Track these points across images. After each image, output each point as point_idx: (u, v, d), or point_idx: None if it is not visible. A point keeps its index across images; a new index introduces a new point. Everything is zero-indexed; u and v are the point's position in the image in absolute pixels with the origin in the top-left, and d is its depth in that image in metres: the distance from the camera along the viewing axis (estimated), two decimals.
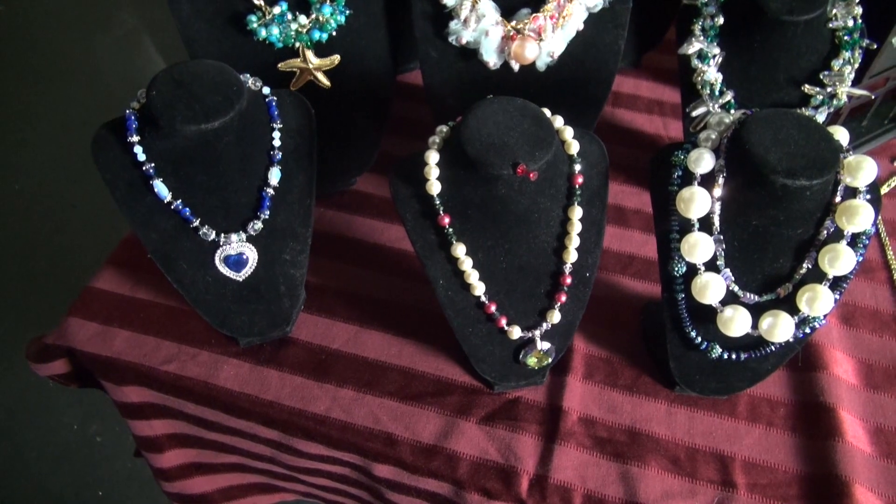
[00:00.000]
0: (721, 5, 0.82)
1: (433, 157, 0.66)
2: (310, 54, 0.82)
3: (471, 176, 0.64)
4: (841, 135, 0.66)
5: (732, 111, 0.81)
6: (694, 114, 0.84)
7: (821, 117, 0.81)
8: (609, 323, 0.83)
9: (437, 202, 0.66)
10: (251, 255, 0.73)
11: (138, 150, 0.68)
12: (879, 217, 0.94)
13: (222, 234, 0.71)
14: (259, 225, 0.72)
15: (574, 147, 0.67)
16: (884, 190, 0.97)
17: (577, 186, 0.67)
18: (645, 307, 0.84)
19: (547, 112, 0.67)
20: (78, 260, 1.72)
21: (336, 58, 0.83)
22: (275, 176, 0.72)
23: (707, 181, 0.66)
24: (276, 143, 0.72)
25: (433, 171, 0.65)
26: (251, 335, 0.79)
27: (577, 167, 0.67)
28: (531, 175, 0.61)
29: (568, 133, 0.67)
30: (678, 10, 1.07)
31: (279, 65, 0.82)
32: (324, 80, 0.84)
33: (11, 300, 1.74)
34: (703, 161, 0.65)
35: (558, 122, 0.68)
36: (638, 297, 0.86)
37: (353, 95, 0.87)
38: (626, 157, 1.02)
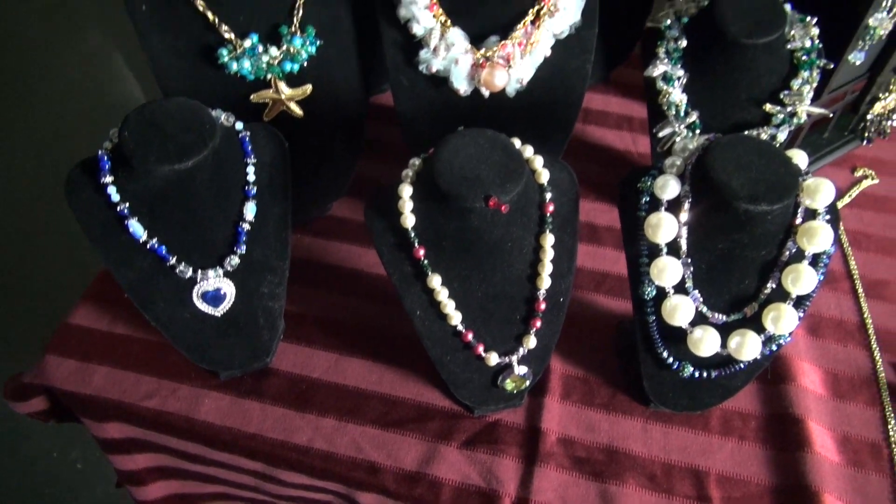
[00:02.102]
0: (684, 28, 0.84)
1: (406, 190, 0.67)
2: (282, 85, 0.82)
3: (444, 208, 0.65)
4: (799, 158, 0.68)
5: (697, 133, 0.84)
6: (661, 134, 0.86)
7: (782, 135, 0.84)
8: (584, 342, 0.85)
9: (412, 235, 0.67)
10: (229, 290, 0.73)
11: (112, 190, 0.68)
12: (842, 228, 0.97)
13: (199, 271, 0.72)
14: (236, 260, 0.72)
15: (544, 176, 0.69)
16: (845, 200, 1.00)
17: (548, 214, 0.69)
18: (618, 326, 0.86)
19: (517, 142, 0.69)
20: (54, 293, 1.69)
21: (308, 88, 0.84)
22: (250, 210, 0.73)
23: (673, 206, 0.68)
24: (251, 177, 0.73)
25: (407, 205, 0.66)
26: (231, 368, 0.80)
27: (548, 195, 0.69)
28: (503, 208, 0.62)
29: (538, 162, 0.69)
30: (645, 25, 1.10)
31: (251, 96, 0.82)
32: (296, 110, 0.85)
33: None
34: (669, 187, 0.67)
35: (528, 151, 0.69)
36: (612, 315, 0.88)
37: (326, 124, 0.88)
38: (597, 174, 1.04)
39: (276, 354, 0.84)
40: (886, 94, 1.02)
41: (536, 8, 0.79)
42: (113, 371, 0.82)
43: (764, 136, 0.84)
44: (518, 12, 0.79)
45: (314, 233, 0.97)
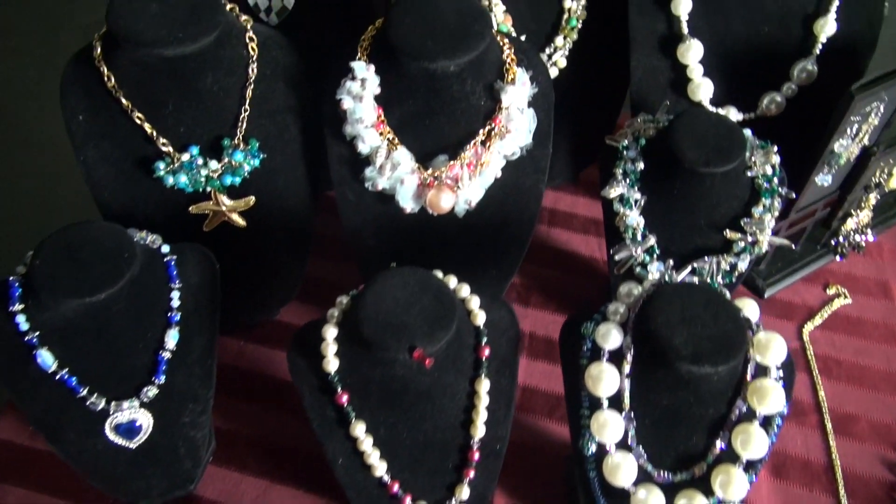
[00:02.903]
0: (642, 150, 0.81)
1: (331, 332, 0.63)
2: (222, 198, 0.79)
3: (369, 354, 0.61)
4: (750, 310, 0.64)
5: (655, 257, 0.80)
6: (617, 257, 0.82)
7: (743, 264, 0.80)
8: (531, 474, 0.80)
9: (336, 379, 0.63)
10: (145, 420, 0.69)
11: (21, 319, 0.64)
12: (811, 353, 0.93)
13: (113, 402, 0.67)
14: (154, 391, 0.68)
15: (480, 318, 0.65)
16: (816, 321, 0.96)
17: (483, 359, 0.65)
18: (566, 460, 0.81)
19: (452, 280, 0.65)
20: None
21: (251, 199, 0.81)
22: (172, 338, 0.69)
23: (616, 357, 0.64)
24: (175, 303, 0.69)
25: (330, 348, 0.62)
26: (150, 498, 0.74)
27: (485, 339, 0.65)
28: (426, 362, 0.58)
29: (474, 303, 0.65)
30: (615, 123, 1.08)
31: (190, 208, 0.79)
32: (239, 221, 0.81)
33: None
34: (611, 337, 0.63)
35: (464, 290, 0.65)
36: (563, 445, 0.83)
37: (271, 234, 0.84)
38: (560, 281, 1.00)
39: (204, 479, 0.79)
40: (859, 210, 0.98)
41: (487, 129, 0.76)
42: (29, 494, 0.77)
43: (724, 265, 0.80)
44: (468, 132, 0.76)
45: (258, 339, 0.93)
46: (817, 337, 0.94)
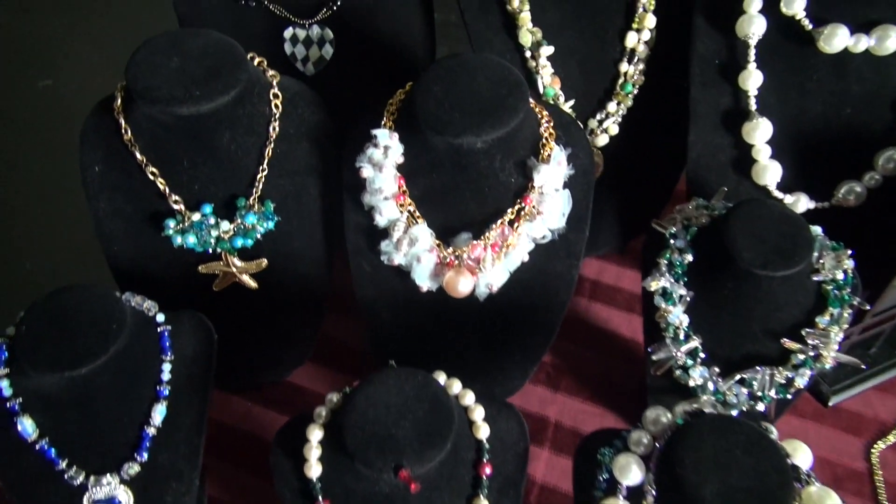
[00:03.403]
0: (691, 240, 0.73)
1: (315, 434, 0.57)
2: (233, 259, 0.75)
3: (353, 465, 0.55)
4: (801, 456, 0.54)
5: (698, 361, 0.71)
6: (655, 357, 0.73)
7: (802, 379, 0.70)
8: None
9: (318, 487, 0.57)
10: (125, 497, 0.65)
11: (4, 383, 0.62)
12: (881, 478, 0.81)
13: (92, 476, 0.64)
14: (136, 468, 0.64)
15: (484, 431, 0.58)
16: (890, 440, 0.84)
17: (484, 477, 0.58)
18: None
19: (456, 386, 0.59)
20: None
21: (263, 262, 0.76)
22: (159, 413, 0.65)
23: (635, 496, 0.55)
24: (165, 376, 0.65)
25: (314, 452, 0.57)
26: None
27: (486, 456, 0.58)
28: (412, 487, 0.52)
29: (478, 413, 0.58)
30: (671, 191, 0.99)
31: (200, 267, 0.75)
32: (250, 283, 0.77)
33: None
34: (631, 472, 0.55)
35: (468, 398, 0.59)
36: None
37: (284, 297, 0.80)
38: (596, 365, 0.91)
39: None
40: None
41: (516, 208, 0.69)
42: None
43: (779, 378, 0.70)
44: (495, 210, 0.70)
45: (266, 401, 0.88)
46: (889, 459, 0.82)
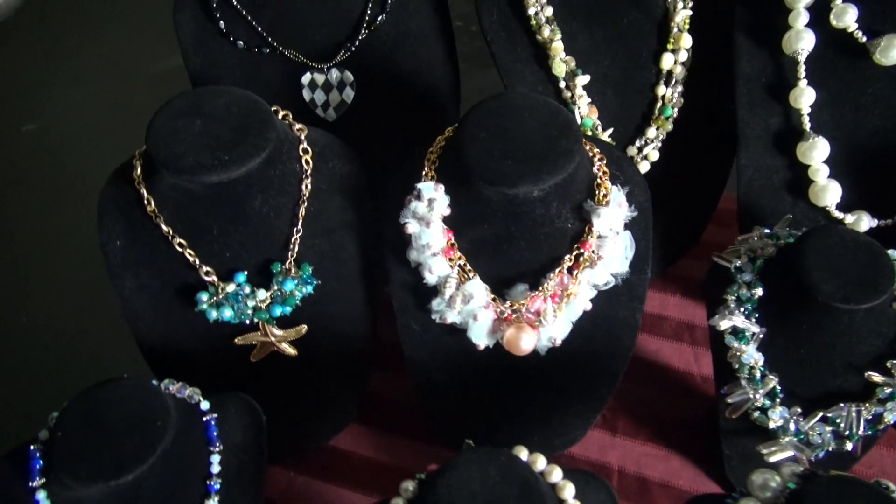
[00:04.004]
0: (760, 273, 0.68)
1: None
2: (271, 328, 0.70)
3: None
4: None
5: (773, 413, 0.66)
6: (731, 400, 0.69)
7: (891, 415, 0.65)
8: None
9: None
10: None
11: (41, 496, 0.56)
12: None
13: None
14: None
15: None
16: None
17: None
18: None
19: (541, 462, 0.54)
20: None
21: (303, 328, 0.71)
22: None
23: None
24: (215, 468, 0.60)
25: None
26: None
27: None
28: None
29: (568, 491, 0.53)
30: (711, 214, 0.95)
31: (236, 339, 0.70)
32: (289, 350, 0.72)
33: None
34: None
35: (556, 475, 0.54)
36: None
37: (325, 361, 0.75)
38: (651, 402, 0.87)
39: None
40: None
41: (574, 254, 0.65)
42: None
43: (865, 414, 0.66)
44: (551, 258, 0.65)
45: (310, 470, 0.83)
46: None
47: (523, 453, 0.54)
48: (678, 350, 0.93)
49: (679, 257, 0.99)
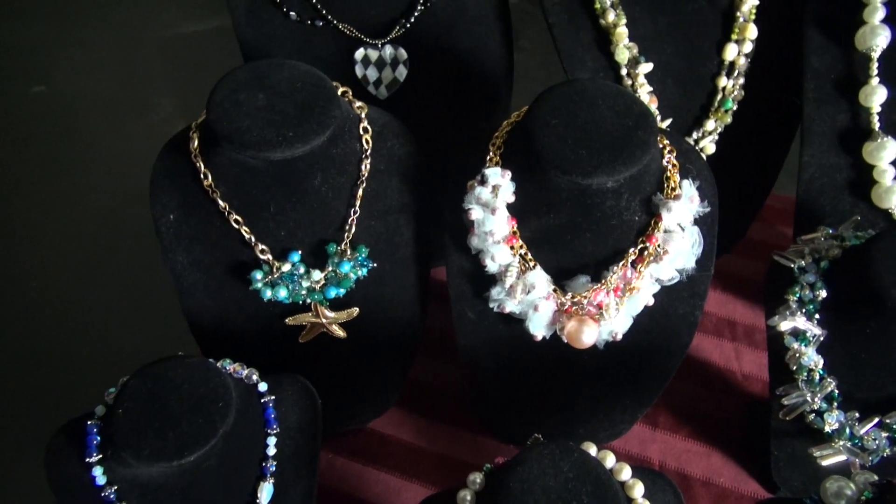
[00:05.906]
0: (824, 274, 0.67)
1: None
2: (324, 310, 0.69)
3: None
4: None
5: (829, 416, 0.66)
6: (786, 402, 0.68)
7: None
8: None
9: None
10: None
11: (98, 471, 0.55)
12: None
13: None
14: None
15: None
16: None
17: None
18: None
19: (610, 459, 0.53)
20: None
21: (354, 311, 0.70)
22: (266, 492, 0.59)
23: None
24: (271, 450, 0.59)
25: None
26: None
27: None
28: None
29: (637, 490, 0.52)
30: (759, 210, 0.93)
31: (287, 319, 0.69)
32: (339, 332, 0.71)
33: None
34: None
35: (625, 473, 0.53)
36: None
37: (373, 344, 0.74)
38: (692, 398, 0.86)
39: None
40: None
41: (639, 247, 0.63)
42: None
43: None
44: (614, 251, 0.64)
45: (349, 452, 0.82)
46: None
47: (592, 449, 0.53)
48: (719, 346, 0.92)
49: (723, 253, 0.98)
